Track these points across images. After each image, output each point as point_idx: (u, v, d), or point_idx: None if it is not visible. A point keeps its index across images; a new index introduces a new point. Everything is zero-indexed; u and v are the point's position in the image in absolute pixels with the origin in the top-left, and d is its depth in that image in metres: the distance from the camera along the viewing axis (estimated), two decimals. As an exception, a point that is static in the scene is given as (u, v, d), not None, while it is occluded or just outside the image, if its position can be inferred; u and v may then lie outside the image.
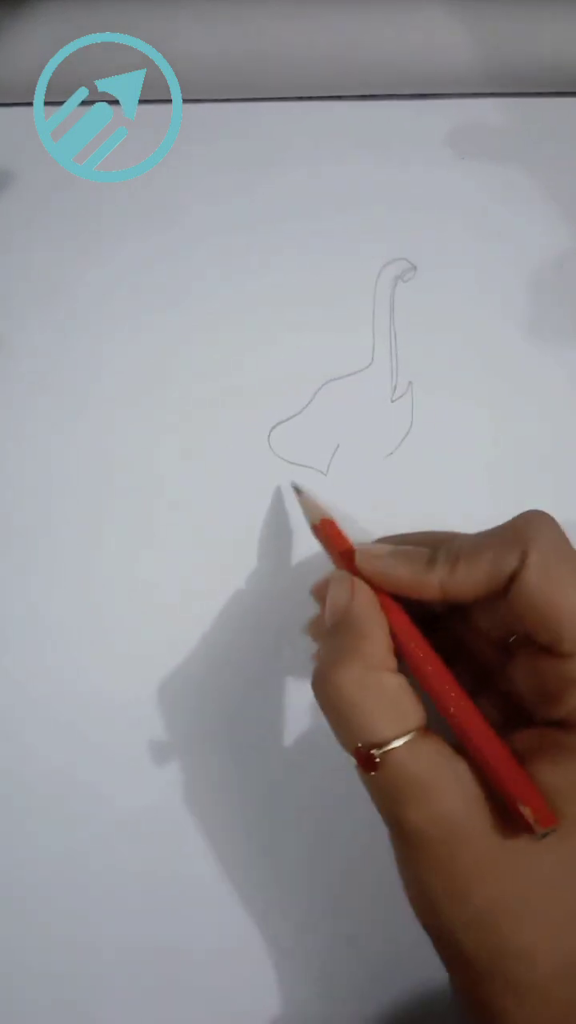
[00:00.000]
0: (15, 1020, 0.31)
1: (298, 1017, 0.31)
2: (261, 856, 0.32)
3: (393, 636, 0.24)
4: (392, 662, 0.24)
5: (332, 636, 0.25)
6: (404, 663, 0.24)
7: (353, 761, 0.23)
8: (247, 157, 0.35)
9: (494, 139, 0.36)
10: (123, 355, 0.34)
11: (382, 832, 0.24)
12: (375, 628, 0.24)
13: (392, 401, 0.34)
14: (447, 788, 0.22)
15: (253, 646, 0.32)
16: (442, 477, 0.33)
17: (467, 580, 0.24)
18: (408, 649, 0.24)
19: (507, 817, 0.22)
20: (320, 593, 0.29)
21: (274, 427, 0.33)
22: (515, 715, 0.25)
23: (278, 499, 0.33)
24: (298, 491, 0.31)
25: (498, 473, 0.33)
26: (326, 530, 0.29)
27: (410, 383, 0.34)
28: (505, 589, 0.23)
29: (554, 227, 0.35)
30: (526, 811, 0.21)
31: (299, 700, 0.32)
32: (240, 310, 0.34)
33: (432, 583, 0.24)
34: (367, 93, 0.36)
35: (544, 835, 0.21)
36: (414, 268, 0.34)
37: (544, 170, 0.36)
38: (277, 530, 0.33)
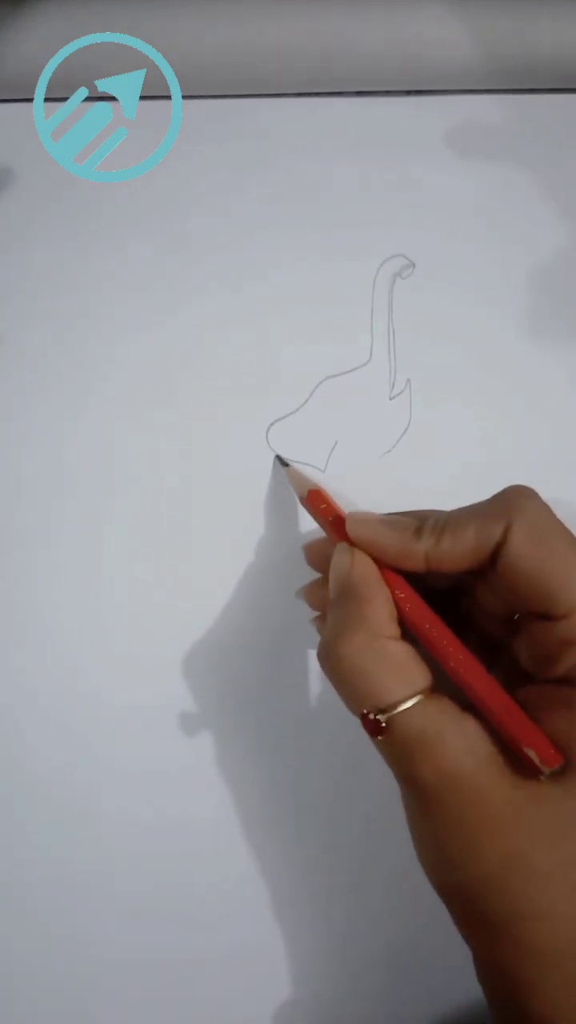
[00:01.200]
0: (15, 1020, 0.31)
1: (303, 1019, 0.31)
2: (265, 855, 0.32)
3: (395, 602, 0.25)
4: (395, 628, 0.24)
5: (335, 607, 0.25)
6: (408, 630, 0.25)
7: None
8: (245, 156, 0.35)
9: (492, 136, 0.36)
10: (123, 354, 0.34)
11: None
12: (376, 596, 0.24)
13: (390, 399, 0.33)
14: (455, 744, 0.22)
15: (253, 646, 0.32)
16: (440, 475, 0.33)
17: (452, 551, 0.24)
18: (407, 610, 0.24)
19: (518, 770, 0.22)
20: (311, 552, 0.29)
21: (272, 424, 0.33)
22: (523, 685, 0.25)
23: (272, 499, 0.33)
24: (284, 464, 0.31)
25: (496, 471, 0.33)
26: (314, 500, 0.29)
27: (408, 381, 0.34)
28: (491, 561, 0.24)
29: (552, 224, 0.35)
30: (531, 752, 0.21)
31: (300, 699, 0.32)
32: (239, 308, 0.34)
33: (417, 553, 0.24)
34: (365, 89, 0.36)
35: (551, 774, 0.21)
36: (412, 265, 0.34)
37: (542, 167, 0.36)
38: (277, 529, 0.33)
